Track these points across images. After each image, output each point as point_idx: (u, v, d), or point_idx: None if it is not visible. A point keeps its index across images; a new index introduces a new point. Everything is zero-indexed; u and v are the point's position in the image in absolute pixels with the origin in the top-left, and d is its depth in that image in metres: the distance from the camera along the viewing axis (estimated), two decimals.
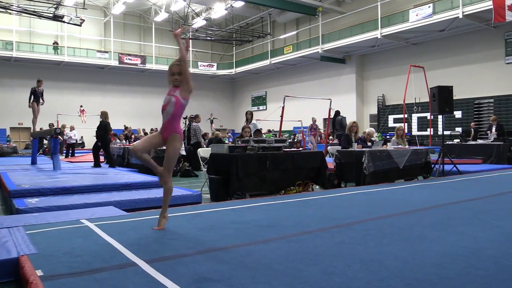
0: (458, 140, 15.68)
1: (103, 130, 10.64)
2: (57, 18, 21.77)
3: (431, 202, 5.03)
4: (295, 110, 24.94)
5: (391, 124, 23.46)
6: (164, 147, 3.60)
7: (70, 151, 17.51)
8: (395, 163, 7.28)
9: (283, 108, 13.50)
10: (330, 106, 14.10)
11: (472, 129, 18.49)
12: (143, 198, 5.37)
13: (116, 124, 26.06)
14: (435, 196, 5.59)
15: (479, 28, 20.13)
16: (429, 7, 19.81)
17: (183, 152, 11.02)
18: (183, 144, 11.21)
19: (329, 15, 26.19)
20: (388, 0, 22.11)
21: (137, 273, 2.39)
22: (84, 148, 25.71)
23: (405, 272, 2.38)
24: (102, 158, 11.57)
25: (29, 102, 11.52)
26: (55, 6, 22.01)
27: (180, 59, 3.46)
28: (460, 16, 18.63)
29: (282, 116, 13.58)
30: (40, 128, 17.74)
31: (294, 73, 30.66)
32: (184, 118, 12.87)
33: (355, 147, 7.46)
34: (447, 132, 19.59)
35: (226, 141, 15.71)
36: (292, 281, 2.25)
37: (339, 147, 8.05)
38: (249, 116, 9.74)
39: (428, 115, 19.29)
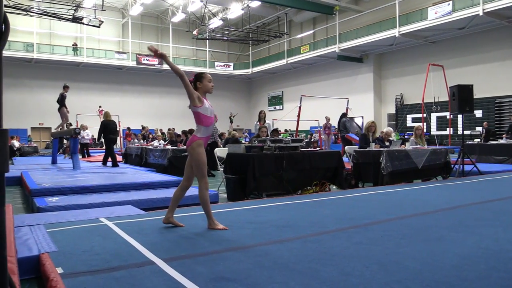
0: (479, 140, 15.40)
1: (102, 130, 10.85)
2: (76, 20, 22.14)
3: (450, 203, 4.95)
4: (312, 110, 24.83)
5: (409, 123, 23.17)
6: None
7: (85, 151, 17.64)
8: (413, 163, 7.18)
9: (299, 107, 13.46)
10: (348, 105, 14.01)
11: (484, 129, 18.13)
12: (161, 197, 5.42)
13: (134, 124, 26.43)
14: (454, 196, 5.50)
15: (500, 25, 19.72)
16: (449, 4, 19.49)
17: None
18: None
19: (346, 14, 26.01)
20: None
21: (154, 272, 2.41)
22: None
23: (423, 274, 2.35)
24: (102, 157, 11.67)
25: (61, 107, 11.71)
26: (74, 8, 22.39)
27: (178, 74, 3.41)
28: (481, 14, 18.28)
29: (298, 116, 13.55)
30: (60, 128, 18.03)
31: (311, 72, 30.53)
32: None
33: (373, 147, 7.39)
34: (467, 132, 19.29)
35: (243, 141, 15.75)
36: (309, 281, 2.25)
37: (356, 147, 7.99)
38: (262, 116, 9.73)
39: (447, 114, 18.99)
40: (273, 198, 5.63)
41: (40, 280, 2.56)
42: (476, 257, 2.66)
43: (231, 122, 24.40)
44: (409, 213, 4.26)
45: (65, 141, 18.79)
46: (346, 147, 9.51)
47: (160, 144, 13.14)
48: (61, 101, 11.66)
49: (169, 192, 5.73)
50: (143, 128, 21.34)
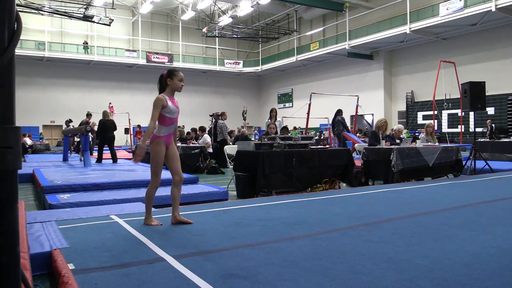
0: (491, 137, 15.21)
1: (100, 129, 11.14)
2: (87, 18, 22.30)
3: (461, 201, 4.91)
4: (322, 107, 24.72)
5: (420, 121, 22.98)
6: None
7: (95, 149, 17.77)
8: (424, 161, 7.13)
9: (309, 105, 13.42)
10: (358, 103, 13.93)
11: (489, 126, 17.90)
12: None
13: (144, 121, 26.54)
14: (466, 195, 5.45)
15: None
16: (460, 0, 19.26)
17: (210, 150, 11.12)
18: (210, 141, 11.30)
19: (357, 11, 25.84)
20: None
21: (165, 268, 2.43)
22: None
23: (434, 272, 2.33)
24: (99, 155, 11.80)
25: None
26: (85, 6, 22.55)
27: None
28: (493, 10, 18.04)
29: (308, 113, 13.50)
30: (72, 126, 18.19)
31: (321, 69, 30.41)
32: (211, 116, 12.96)
33: (383, 144, 7.34)
34: (479, 129, 19.07)
35: (252, 139, 15.74)
36: (318, 278, 2.24)
37: (365, 145, 7.94)
38: (274, 114, 9.73)
39: (459, 111, 18.80)
40: (283, 195, 5.63)
41: (52, 276, 2.59)
42: (488, 256, 2.64)
43: (244, 119, 24.24)
44: (420, 211, 4.23)
45: (76, 139, 18.92)
46: (356, 144, 9.47)
47: None
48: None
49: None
50: None
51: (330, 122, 13.67)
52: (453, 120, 21.60)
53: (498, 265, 2.47)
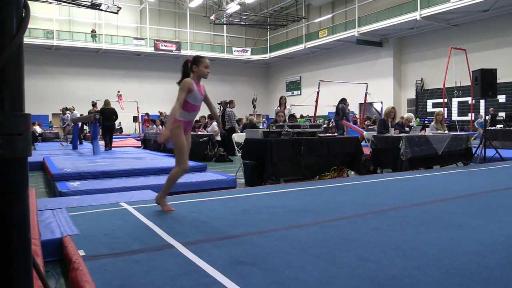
0: (502, 126, 15.06)
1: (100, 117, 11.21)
2: (94, 6, 22.30)
3: (471, 189, 4.88)
4: (330, 95, 24.59)
5: (429, 109, 22.77)
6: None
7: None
8: (433, 149, 7.08)
9: (318, 93, 13.35)
10: (367, 90, 13.83)
11: (490, 115, 17.69)
12: (179, 182, 5.46)
13: (152, 109, 26.65)
14: (475, 183, 5.41)
15: None
16: None
17: (218, 138, 11.14)
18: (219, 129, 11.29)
19: None
20: None
21: (174, 255, 2.45)
22: (122, 133, 26.43)
23: (443, 260, 2.33)
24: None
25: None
26: None
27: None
28: None
29: (317, 101, 13.45)
30: (81, 114, 18.29)
31: (329, 57, 30.17)
32: (219, 104, 12.96)
33: (392, 132, 7.30)
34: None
35: (261, 126, 15.74)
36: (327, 266, 2.25)
37: (374, 132, 7.90)
38: (283, 101, 9.70)
39: (469, 99, 18.58)
40: (291, 183, 5.63)
41: (63, 262, 2.63)
42: (497, 244, 2.62)
43: (254, 107, 24.11)
44: (429, 200, 4.21)
45: (85, 127, 19.05)
46: (365, 132, 9.42)
47: None
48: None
49: (187, 177, 5.79)
50: (161, 113, 21.48)
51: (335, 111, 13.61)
52: (464, 108, 21.37)
53: (508, 253, 2.46)
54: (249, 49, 34.30)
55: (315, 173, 6.38)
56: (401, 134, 7.03)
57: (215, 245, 2.64)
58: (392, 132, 7.28)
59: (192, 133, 10.83)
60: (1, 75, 0.95)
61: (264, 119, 29.35)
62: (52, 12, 27.63)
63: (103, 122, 11.26)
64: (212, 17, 27.95)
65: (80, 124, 14.74)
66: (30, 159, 1.03)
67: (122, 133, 26.39)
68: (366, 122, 18.05)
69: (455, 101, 21.62)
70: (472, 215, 3.47)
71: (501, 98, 19.87)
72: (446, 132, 8.12)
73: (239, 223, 3.25)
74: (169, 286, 2.00)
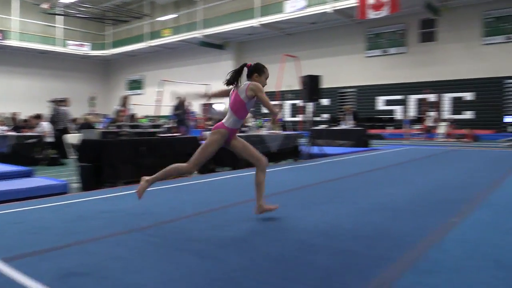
0: (326, 126, 17.02)
1: None
2: None
3: (299, 183, 5.41)
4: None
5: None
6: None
7: None
8: (268, 147, 7.64)
9: (160, 92, 13.19)
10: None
11: (331, 117, 20.28)
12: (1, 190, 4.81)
13: None
14: (302, 177, 6.02)
15: (345, 23, 22.00)
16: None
17: (51, 139, 10.11)
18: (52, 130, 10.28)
19: (210, 0, 26.15)
20: None
21: None
22: None
23: (270, 249, 2.54)
24: None
25: None
26: None
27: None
28: (330, 11, 20.13)
29: (158, 101, 13.27)
30: None
31: (173, 57, 30.05)
32: (51, 102, 11.78)
33: None
34: (316, 118, 21.18)
35: (100, 126, 14.83)
36: (165, 267, 2.25)
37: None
38: (125, 101, 9.32)
39: (299, 102, 20.58)
40: (131, 185, 5.45)
41: None
42: (317, 232, 2.97)
43: (93, 105, 22.29)
44: None
45: None
46: (205, 132, 9.64)
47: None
48: None
49: (9, 184, 5.12)
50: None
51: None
52: (295, 110, 23.58)
53: (326, 237, 2.81)
54: (88, 44, 31.98)
55: None
56: (240, 134, 7.42)
57: (42, 258, 2.41)
58: None
59: (18, 134, 9.67)
60: None
61: (103, 119, 27.73)
62: None
63: None
64: (44, 6, 25.20)
65: None
66: None
67: None
68: (206, 123, 18.51)
69: (288, 103, 23.72)
70: (299, 206, 3.87)
71: (325, 102, 22.54)
72: (280, 132, 8.85)
73: (71, 231, 3.02)
74: None
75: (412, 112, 20.47)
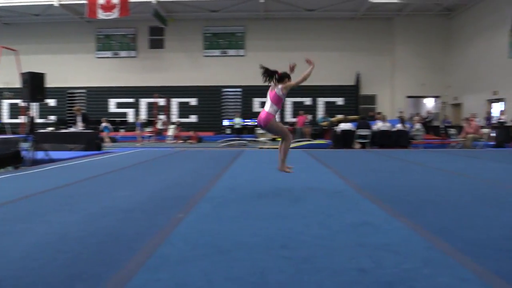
0: (53, 128, 15.68)
1: None
2: None
3: (20, 193, 4.79)
4: None
5: None
6: None
7: None
8: None
9: None
10: None
11: (59, 119, 18.97)
12: None
13: None
14: (24, 187, 5.37)
15: (74, 20, 20.74)
16: None
17: None
18: None
19: None
20: None
21: None
22: None
23: None
24: None
25: None
26: None
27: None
28: (56, 4, 18.58)
29: None
30: None
31: None
32: None
33: None
34: (42, 120, 19.26)
35: None
36: None
37: None
38: None
39: (20, 101, 18.23)
40: None
41: None
42: (45, 244, 2.72)
43: None
44: None
45: None
46: None
47: None
48: None
49: None
50: None
51: None
52: (15, 110, 20.78)
53: (54, 250, 2.60)
54: None
55: None
56: None
57: None
58: None
59: None
60: None
61: None
62: None
63: None
64: None
65: None
66: None
67: None
68: None
69: (6, 103, 20.70)
70: (21, 219, 3.44)
71: (52, 102, 20.74)
72: None
73: None
74: None
75: (143, 115, 21.11)
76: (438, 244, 2.71)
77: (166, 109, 20.41)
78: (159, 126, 18.82)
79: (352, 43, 21.31)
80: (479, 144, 13.06)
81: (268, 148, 13.20)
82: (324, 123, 17.63)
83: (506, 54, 15.58)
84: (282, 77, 4.90)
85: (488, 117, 17.02)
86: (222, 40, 21.49)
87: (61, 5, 18.75)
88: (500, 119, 16.05)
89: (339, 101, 21.63)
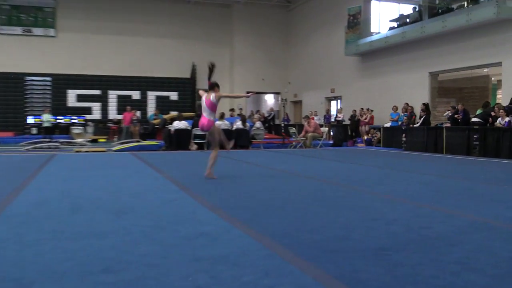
0: None
1: None
2: None
3: None
4: None
5: None
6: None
7: None
8: None
9: None
10: None
11: None
12: None
13: None
14: None
15: None
16: None
17: None
18: None
19: None
20: None
21: None
22: None
23: None
24: None
25: None
26: None
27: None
28: None
29: None
30: None
31: None
32: None
33: None
34: None
35: None
36: None
37: None
38: None
39: None
40: None
41: None
42: None
43: None
44: None
45: None
46: None
47: None
48: None
49: None
50: None
51: None
52: None
53: None
54: None
55: None
56: None
57: None
58: None
59: None
60: None
61: None
62: None
63: None
64: None
65: None
66: None
67: None
68: None
69: None
70: None
71: None
72: None
73: None
74: None
75: None
76: (279, 251, 2.90)
77: None
78: None
79: (187, 31, 21.64)
80: (318, 143, 14.52)
81: (86, 151, 12.50)
82: (156, 121, 17.45)
83: (343, 51, 17.69)
84: (213, 86, 6.32)
85: (327, 116, 19.11)
86: (25, 15, 19.62)
87: None
88: (337, 117, 18.12)
89: (173, 95, 21.74)
